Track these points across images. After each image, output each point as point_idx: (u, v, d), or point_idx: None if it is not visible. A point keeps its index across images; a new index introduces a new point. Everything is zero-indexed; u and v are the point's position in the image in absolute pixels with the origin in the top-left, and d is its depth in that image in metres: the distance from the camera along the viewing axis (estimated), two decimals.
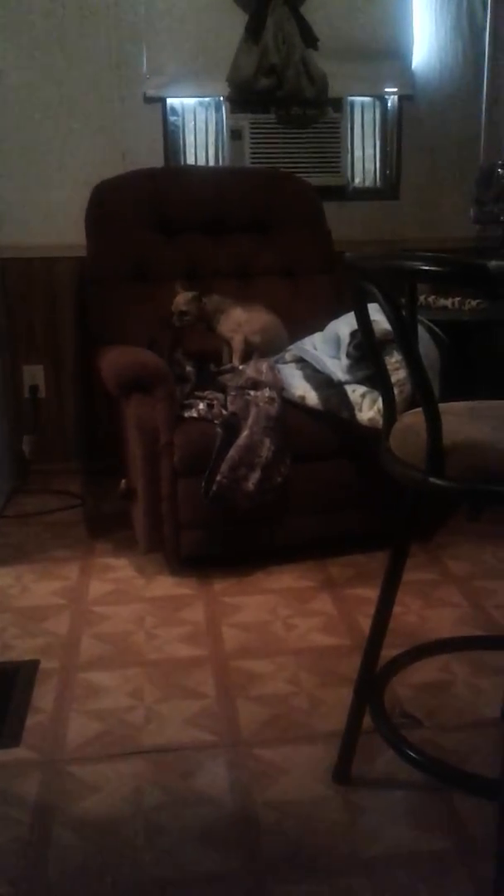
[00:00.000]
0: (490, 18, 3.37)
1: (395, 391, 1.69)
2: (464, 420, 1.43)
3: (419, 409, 1.37)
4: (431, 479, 1.33)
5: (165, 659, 2.08)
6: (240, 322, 2.84)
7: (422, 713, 1.83)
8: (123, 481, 2.72)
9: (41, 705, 1.89)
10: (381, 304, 1.31)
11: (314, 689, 1.94)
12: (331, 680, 1.97)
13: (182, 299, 2.81)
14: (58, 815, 1.56)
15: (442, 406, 1.34)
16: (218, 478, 2.38)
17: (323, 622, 2.24)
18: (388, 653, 1.65)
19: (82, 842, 1.49)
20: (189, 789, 1.61)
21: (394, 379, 2.09)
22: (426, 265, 1.21)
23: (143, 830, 1.51)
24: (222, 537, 2.54)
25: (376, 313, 1.48)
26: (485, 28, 3.39)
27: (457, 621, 2.24)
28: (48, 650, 2.12)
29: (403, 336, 1.31)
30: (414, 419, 1.44)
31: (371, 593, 2.25)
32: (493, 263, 1.17)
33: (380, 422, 2.32)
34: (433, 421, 1.31)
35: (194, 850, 1.46)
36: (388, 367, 1.98)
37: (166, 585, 2.48)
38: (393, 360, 2.34)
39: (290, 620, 2.26)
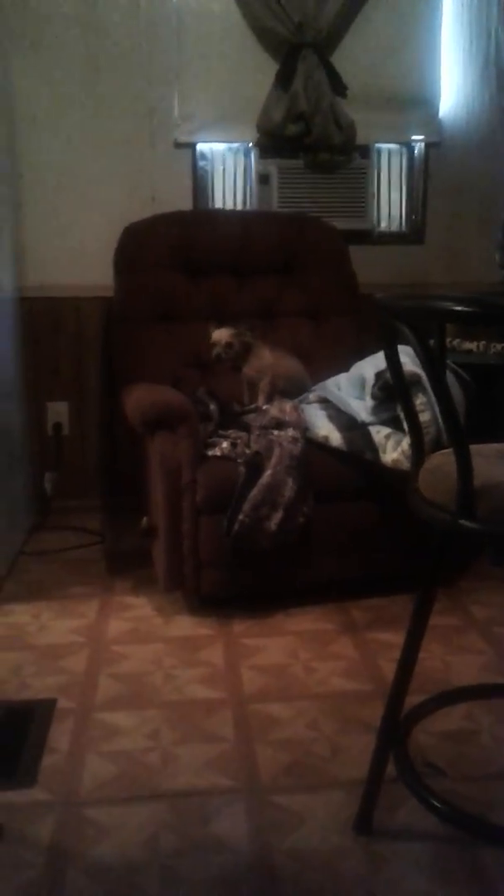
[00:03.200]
0: None
1: None
2: (494, 462, 1.42)
3: (448, 451, 1.36)
4: (461, 521, 1.32)
5: (184, 700, 2.05)
6: (268, 364, 2.85)
7: (445, 762, 1.79)
8: (145, 519, 2.71)
9: (57, 745, 1.87)
10: (412, 344, 1.31)
11: (335, 735, 1.90)
12: (352, 726, 1.93)
13: (226, 333, 2.81)
14: (72, 858, 1.53)
15: (471, 448, 1.33)
16: (240, 517, 2.37)
17: (344, 666, 2.21)
18: (410, 699, 1.62)
19: (96, 887, 1.46)
20: (207, 836, 1.58)
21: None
22: (458, 305, 1.21)
23: (158, 877, 1.48)
24: (243, 577, 2.52)
25: (401, 355, 1.49)
26: None
27: (481, 668, 2.20)
28: (65, 689, 2.10)
29: (434, 375, 1.31)
30: (443, 460, 1.44)
31: (393, 638, 2.23)
32: None
33: (404, 463, 2.32)
34: (464, 462, 1.30)
35: None
36: None
37: (185, 625, 2.46)
38: (418, 402, 2.33)
39: (310, 664, 2.23)
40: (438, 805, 1.49)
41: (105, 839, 1.57)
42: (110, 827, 1.60)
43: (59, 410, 3.47)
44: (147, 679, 2.15)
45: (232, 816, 1.63)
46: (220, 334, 2.81)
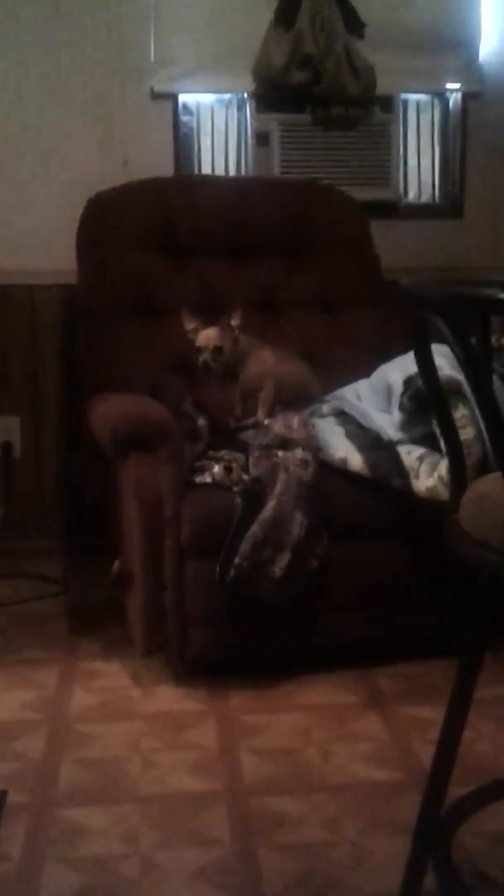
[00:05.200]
0: None
1: None
2: None
3: (496, 475, 1.36)
4: None
5: (167, 794, 2.05)
6: (269, 368, 2.86)
7: (499, 871, 1.77)
8: (116, 563, 2.72)
9: (7, 850, 1.86)
10: (448, 342, 1.31)
11: (359, 836, 1.89)
12: (380, 826, 1.92)
13: (214, 334, 2.79)
14: None
15: None
16: (237, 560, 2.38)
17: (369, 750, 2.21)
18: (454, 791, 1.61)
19: None
20: None
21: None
22: None
23: None
24: (241, 637, 2.53)
25: (436, 357, 1.49)
26: None
27: None
28: (18, 779, 2.10)
29: (478, 381, 1.31)
30: (490, 487, 1.44)
31: (430, 713, 2.23)
32: None
33: (442, 492, 2.32)
34: None
35: None
36: None
37: (169, 698, 2.46)
38: (458, 415, 2.34)
39: (327, 747, 2.23)
40: None
41: None
42: None
43: (8, 427, 3.48)
44: (121, 766, 2.15)
45: None
46: (208, 336, 2.79)
